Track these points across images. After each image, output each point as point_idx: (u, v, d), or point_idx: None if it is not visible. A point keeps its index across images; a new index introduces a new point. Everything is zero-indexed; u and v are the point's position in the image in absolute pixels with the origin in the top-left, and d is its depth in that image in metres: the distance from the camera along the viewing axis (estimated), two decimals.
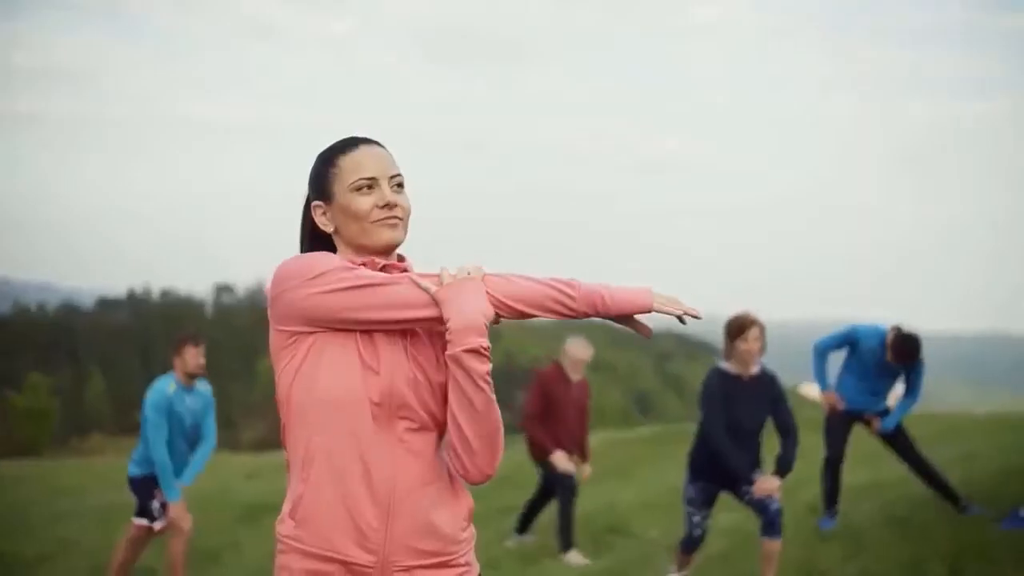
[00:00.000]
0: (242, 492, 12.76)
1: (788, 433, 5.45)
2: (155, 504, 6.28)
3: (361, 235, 2.18)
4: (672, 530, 7.75)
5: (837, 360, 7.12)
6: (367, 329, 2.10)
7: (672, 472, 11.64)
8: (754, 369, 5.46)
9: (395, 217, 2.17)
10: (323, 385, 2.09)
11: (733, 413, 5.38)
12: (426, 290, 2.09)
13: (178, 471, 6.30)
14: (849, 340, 7.00)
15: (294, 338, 2.12)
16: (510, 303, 2.11)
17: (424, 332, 2.17)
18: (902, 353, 6.70)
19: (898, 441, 7.04)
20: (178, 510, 6.19)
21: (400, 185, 2.20)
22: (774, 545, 5.40)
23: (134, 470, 6.38)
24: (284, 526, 2.15)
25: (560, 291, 2.13)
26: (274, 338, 2.16)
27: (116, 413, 54.10)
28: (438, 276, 2.12)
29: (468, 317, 2.05)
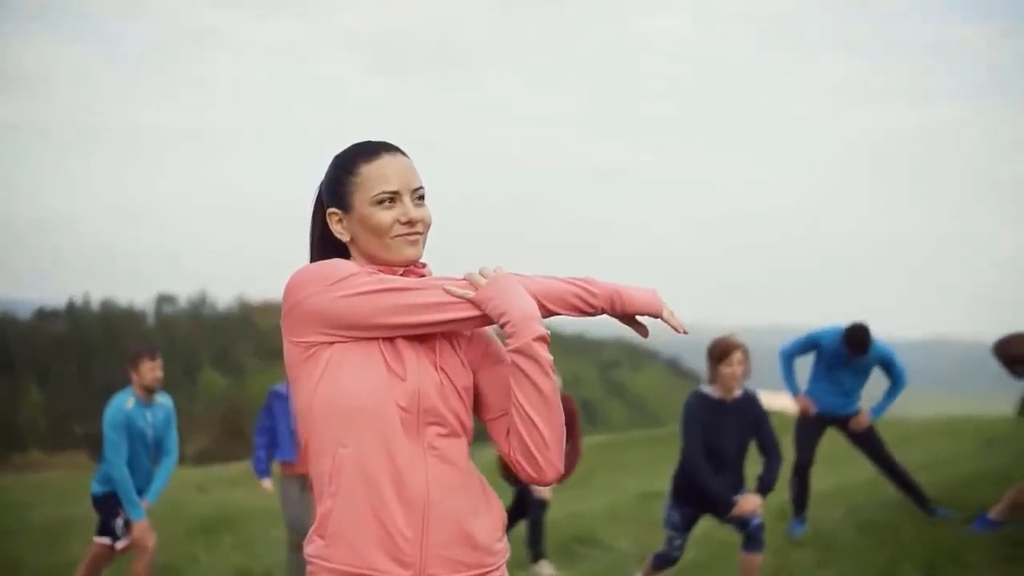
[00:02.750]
0: (195, 505, 12.51)
1: (771, 452, 5.40)
2: (118, 522, 6.10)
3: (381, 249, 2.09)
4: (640, 539, 7.72)
5: (804, 367, 7.13)
6: (398, 334, 2.02)
7: (630, 481, 11.66)
8: (737, 392, 5.38)
9: (416, 233, 2.10)
10: (348, 394, 2.00)
11: (716, 438, 5.29)
12: (456, 293, 2.02)
13: (142, 488, 6.14)
14: (813, 343, 7.03)
15: (313, 350, 2.03)
16: (539, 299, 2.05)
17: (448, 337, 2.10)
18: (854, 343, 6.75)
19: (870, 443, 7.07)
20: (142, 528, 6.02)
21: (421, 198, 2.12)
22: (755, 560, 5.36)
23: (96, 488, 6.20)
24: (313, 545, 2.06)
25: (581, 288, 2.09)
26: (290, 352, 2.06)
27: (54, 428, 53.10)
28: (462, 279, 2.05)
29: (526, 308, 1.99)
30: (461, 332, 2.12)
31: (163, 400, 6.29)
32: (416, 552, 1.99)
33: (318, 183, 2.20)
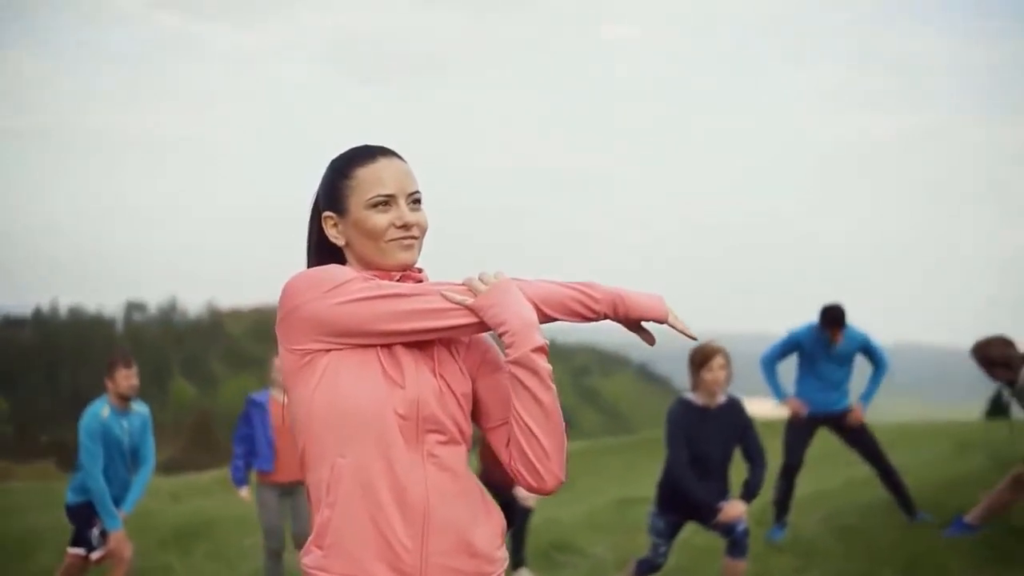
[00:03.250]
0: (167, 514, 12.37)
1: (755, 459, 5.40)
2: (94, 532, 6.03)
3: (375, 254, 2.07)
4: (618, 545, 7.71)
5: (787, 373, 7.16)
6: (396, 341, 1.99)
7: (607, 487, 11.66)
8: (721, 398, 5.39)
9: (411, 237, 2.07)
10: (346, 402, 1.96)
11: (701, 445, 5.28)
12: (454, 299, 2.00)
13: (119, 497, 6.06)
14: (792, 343, 7.07)
15: (309, 357, 1.99)
16: (539, 305, 2.03)
17: (446, 343, 2.08)
18: (830, 320, 6.82)
19: (864, 441, 7.09)
20: (119, 538, 5.94)
21: (417, 202, 2.09)
22: (739, 566, 5.36)
23: (71, 497, 6.12)
24: (311, 556, 2.01)
25: (583, 293, 2.07)
26: (286, 359, 2.03)
27: (21, 436, 52.47)
28: (461, 285, 2.03)
29: (525, 317, 1.96)
30: (459, 338, 2.10)
31: (139, 408, 6.22)
32: (416, 562, 1.96)
33: (313, 188, 2.18)
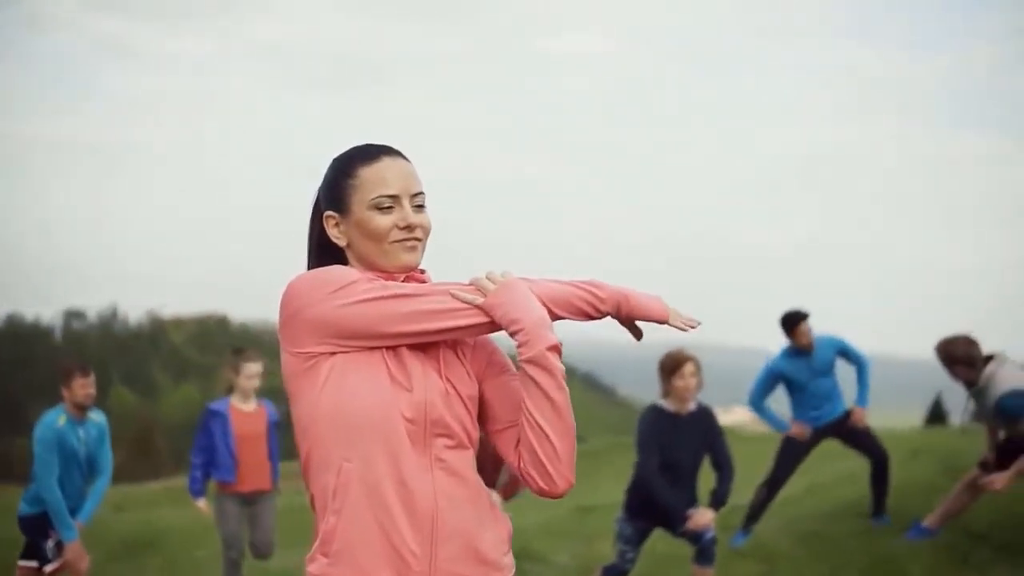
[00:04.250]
0: (115, 527, 12.14)
1: (724, 467, 5.42)
2: (49, 544, 5.88)
3: (378, 255, 2.03)
4: (578, 553, 7.72)
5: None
6: (404, 342, 1.96)
7: (567, 495, 11.66)
8: (691, 406, 5.40)
9: (414, 239, 2.02)
10: (352, 406, 1.92)
11: (671, 452, 5.29)
12: (464, 298, 1.97)
13: (74, 507, 5.93)
14: (773, 377, 7.09)
15: (312, 361, 1.95)
16: (548, 304, 2.00)
17: (451, 345, 2.05)
18: (789, 325, 6.89)
19: (867, 439, 7.10)
20: (75, 550, 5.80)
21: (422, 203, 2.06)
22: (707, 573, 5.38)
23: (25, 509, 5.96)
24: (316, 564, 1.96)
25: (588, 291, 2.05)
26: (288, 363, 1.98)
27: None
28: (468, 284, 2.00)
29: (538, 315, 1.94)
30: (465, 340, 2.07)
31: (96, 417, 6.09)
32: (425, 568, 1.92)
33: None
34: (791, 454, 7.13)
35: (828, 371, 7.04)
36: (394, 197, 2.01)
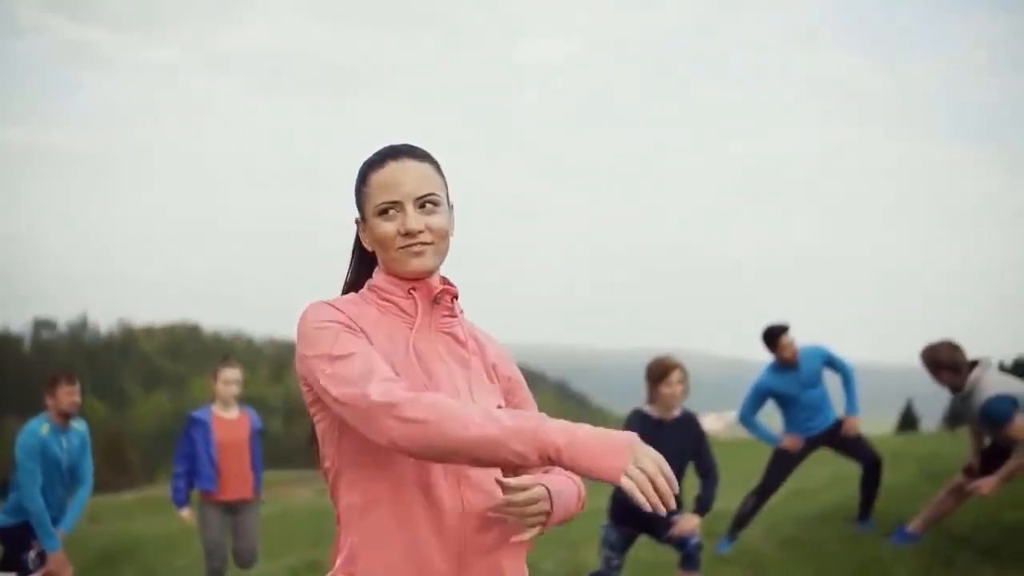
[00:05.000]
0: (91, 537, 12.06)
1: (708, 473, 5.44)
2: (31, 555, 5.82)
3: (391, 263, 1.98)
4: (565, 560, 7.69)
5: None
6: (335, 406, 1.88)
7: None
8: (676, 412, 5.42)
9: (420, 243, 1.95)
10: None
11: None
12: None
13: (56, 517, 5.87)
14: (761, 393, 7.09)
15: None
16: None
17: (482, 359, 2.04)
18: (770, 339, 6.92)
19: (860, 446, 7.10)
20: (59, 560, 5.75)
21: (433, 203, 1.96)
22: None
23: (5, 519, 5.89)
24: None
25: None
26: (305, 392, 1.96)
27: None
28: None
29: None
30: (490, 352, 2.06)
31: (78, 426, 6.04)
32: None
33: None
34: (782, 464, 7.14)
35: (816, 382, 7.05)
36: (395, 203, 1.95)
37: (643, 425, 5.34)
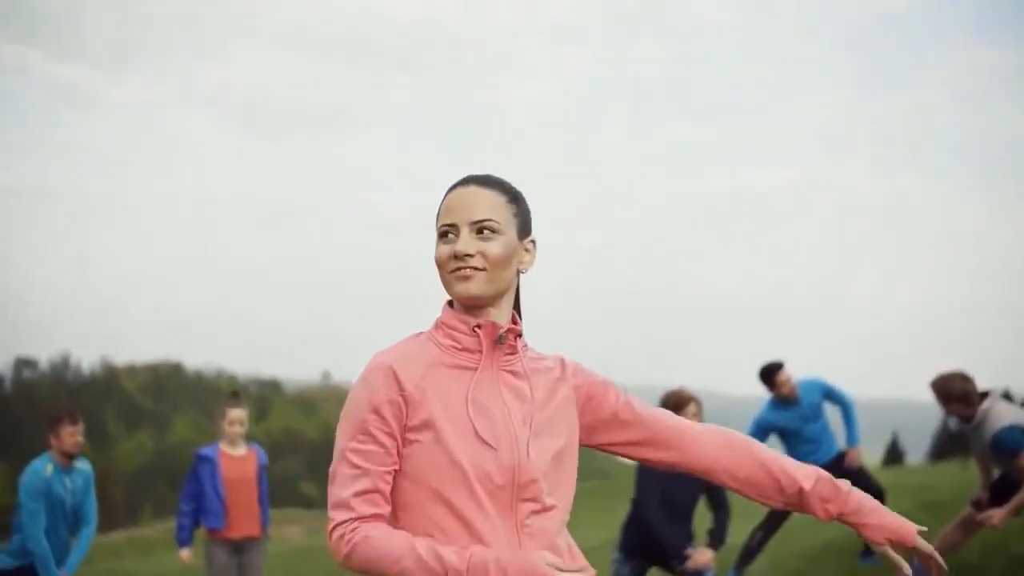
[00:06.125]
0: None
1: (720, 507, 5.46)
2: None
3: (445, 286, 1.97)
4: None
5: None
6: None
7: None
8: None
9: (469, 267, 1.90)
10: (432, 471, 1.87)
11: (668, 489, 5.32)
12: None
13: (59, 559, 5.82)
14: (763, 427, 7.13)
15: None
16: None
17: (544, 390, 1.99)
18: (767, 377, 6.99)
19: (863, 477, 7.08)
20: None
21: (491, 230, 1.92)
22: None
23: (6, 561, 5.82)
24: None
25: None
26: None
27: None
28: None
29: None
30: (562, 379, 2.02)
31: (82, 466, 6.00)
32: None
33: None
34: None
35: (818, 415, 7.10)
36: (451, 225, 1.93)
37: None
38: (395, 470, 1.89)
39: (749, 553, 7.14)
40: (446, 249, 1.93)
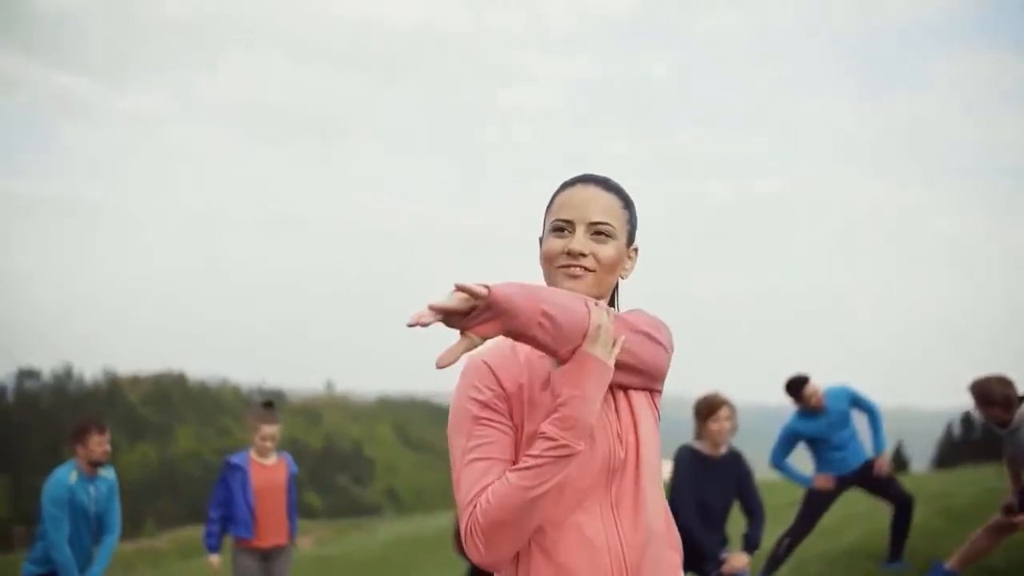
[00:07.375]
0: None
1: (755, 511, 5.46)
2: None
3: (549, 279, 1.96)
4: None
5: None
6: None
7: None
8: (723, 449, 5.44)
9: (580, 267, 1.92)
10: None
11: (703, 493, 5.32)
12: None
13: (82, 567, 5.80)
14: (791, 437, 7.14)
15: None
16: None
17: (635, 396, 1.98)
18: (794, 390, 6.98)
19: (891, 486, 7.12)
20: None
21: (606, 234, 1.94)
22: None
23: (31, 569, 5.81)
24: None
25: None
26: None
27: None
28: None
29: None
30: (623, 384, 1.97)
31: (106, 474, 5.97)
32: None
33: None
34: (815, 505, 7.17)
35: (846, 422, 7.09)
36: (567, 222, 1.94)
37: (692, 461, 5.37)
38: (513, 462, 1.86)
39: (777, 559, 7.13)
40: (559, 244, 1.94)
